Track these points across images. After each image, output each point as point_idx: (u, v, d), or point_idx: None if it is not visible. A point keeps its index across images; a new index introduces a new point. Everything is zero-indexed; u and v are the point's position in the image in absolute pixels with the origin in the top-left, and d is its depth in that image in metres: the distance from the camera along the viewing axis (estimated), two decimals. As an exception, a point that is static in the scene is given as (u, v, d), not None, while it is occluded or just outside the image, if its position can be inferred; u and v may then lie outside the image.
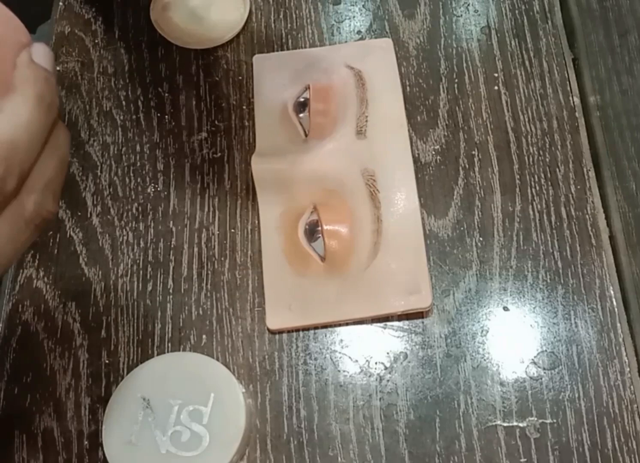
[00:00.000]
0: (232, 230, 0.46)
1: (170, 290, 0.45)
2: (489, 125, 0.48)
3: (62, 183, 0.27)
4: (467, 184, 0.46)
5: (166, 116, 0.50)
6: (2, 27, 0.26)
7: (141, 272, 0.46)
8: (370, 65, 0.49)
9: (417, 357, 0.42)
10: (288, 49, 0.51)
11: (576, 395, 0.40)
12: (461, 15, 0.52)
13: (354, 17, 0.52)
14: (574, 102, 0.48)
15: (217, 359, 0.42)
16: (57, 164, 0.27)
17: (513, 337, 0.42)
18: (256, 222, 0.46)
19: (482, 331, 0.42)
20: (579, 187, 0.45)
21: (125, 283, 0.45)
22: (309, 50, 0.51)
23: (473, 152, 0.47)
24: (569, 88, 0.48)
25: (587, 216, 0.45)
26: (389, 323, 0.43)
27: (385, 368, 0.42)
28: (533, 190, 0.45)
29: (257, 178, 0.46)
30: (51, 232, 0.47)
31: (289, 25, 0.52)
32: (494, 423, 0.40)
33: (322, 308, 0.43)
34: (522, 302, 0.43)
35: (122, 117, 0.50)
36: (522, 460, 0.39)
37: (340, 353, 0.43)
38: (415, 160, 0.47)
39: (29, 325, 0.45)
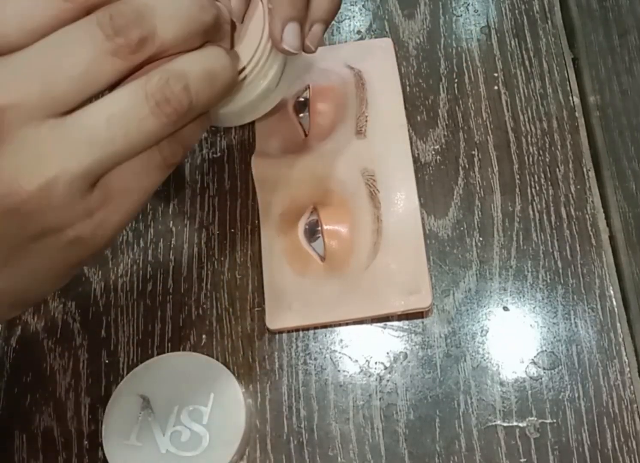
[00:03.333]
0: (232, 230, 0.46)
1: (170, 290, 0.45)
2: (488, 125, 0.48)
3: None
4: (467, 184, 0.46)
5: (166, 116, 0.50)
6: None
7: (141, 271, 0.46)
8: (370, 65, 0.49)
9: (417, 357, 0.42)
10: (288, 48, 0.51)
11: (576, 395, 0.40)
12: (461, 15, 0.52)
13: (353, 17, 0.52)
14: (573, 102, 0.48)
15: (217, 359, 0.42)
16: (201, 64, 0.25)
17: (513, 337, 0.42)
18: (256, 222, 0.46)
19: (482, 331, 0.42)
20: (578, 187, 0.45)
21: (125, 283, 0.45)
22: (309, 50, 0.51)
23: (473, 152, 0.47)
24: (568, 88, 0.48)
25: (587, 216, 0.45)
26: (388, 323, 0.43)
27: (385, 368, 0.42)
28: (533, 190, 0.45)
29: (257, 178, 0.46)
30: (51, 232, 0.47)
31: (288, 25, 0.52)
32: (493, 423, 0.40)
33: (322, 308, 0.43)
34: (522, 302, 0.43)
35: (122, 117, 0.50)
36: (522, 460, 0.39)
37: (340, 353, 0.43)
38: (415, 160, 0.47)
39: (29, 325, 0.45)
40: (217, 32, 0.27)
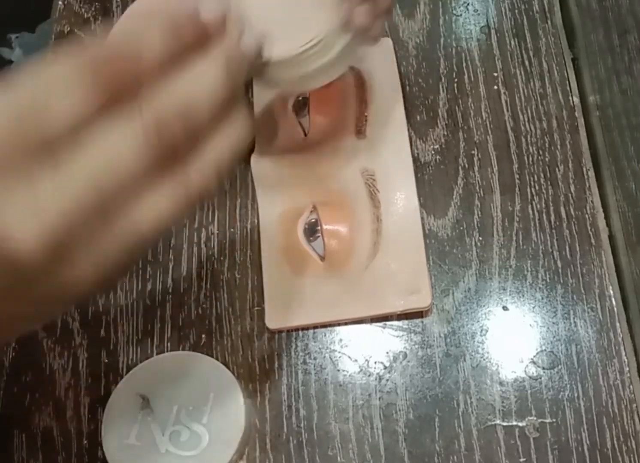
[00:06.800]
0: (232, 230, 0.46)
1: (170, 290, 0.45)
2: (488, 124, 0.48)
3: (228, 165, 0.27)
4: (467, 184, 0.46)
5: (166, 116, 0.50)
6: None
7: (140, 271, 0.46)
8: (370, 65, 0.49)
9: (416, 356, 0.42)
10: (288, 48, 0.51)
11: (575, 395, 0.40)
12: (461, 15, 0.52)
13: (353, 16, 0.52)
14: (573, 102, 0.48)
15: (217, 359, 0.42)
16: (229, 144, 0.27)
17: (512, 337, 0.42)
18: (256, 221, 0.46)
19: (481, 330, 0.42)
20: (578, 186, 0.45)
21: (124, 282, 0.45)
22: (309, 49, 0.51)
23: (472, 152, 0.47)
24: (568, 88, 0.48)
25: (586, 216, 0.45)
26: (388, 323, 0.43)
27: (385, 367, 0.42)
28: (532, 189, 0.45)
29: (257, 178, 0.46)
30: (51, 232, 0.47)
31: (288, 24, 0.52)
32: (493, 423, 0.40)
33: (321, 308, 0.43)
34: (521, 302, 0.43)
35: (121, 117, 0.50)
36: (522, 459, 0.39)
37: (339, 352, 0.43)
38: (415, 160, 0.47)
39: (28, 325, 0.45)
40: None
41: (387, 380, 0.42)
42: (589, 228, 0.44)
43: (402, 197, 0.44)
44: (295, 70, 0.35)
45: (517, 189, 0.46)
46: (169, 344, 0.43)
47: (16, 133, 0.22)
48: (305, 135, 0.47)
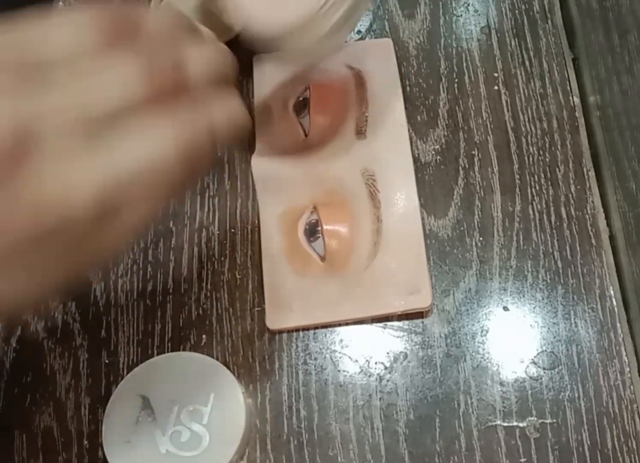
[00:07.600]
0: (232, 230, 0.46)
1: (170, 290, 0.45)
2: (488, 125, 0.48)
3: (221, 134, 0.27)
4: (467, 184, 0.46)
5: (166, 116, 0.50)
6: None
7: (141, 271, 0.46)
8: (370, 65, 0.49)
9: (417, 356, 0.42)
10: (288, 48, 0.51)
11: (576, 395, 0.40)
12: (461, 15, 0.52)
13: (354, 17, 0.52)
14: (573, 102, 0.48)
15: (217, 359, 0.42)
16: (223, 113, 0.27)
17: (513, 337, 0.42)
18: (256, 222, 0.46)
19: (482, 331, 0.42)
20: (578, 186, 0.45)
21: (125, 283, 0.45)
22: (309, 50, 0.51)
23: (473, 152, 0.47)
24: (568, 88, 0.48)
25: (587, 216, 0.45)
26: (389, 323, 0.43)
27: (385, 368, 0.42)
28: (533, 190, 0.45)
29: (257, 178, 0.46)
30: (51, 232, 0.47)
31: (289, 25, 0.52)
32: (493, 423, 0.40)
33: (322, 308, 0.43)
34: (522, 302, 0.43)
35: (122, 117, 0.50)
36: (522, 460, 0.39)
37: (340, 353, 0.43)
38: (415, 160, 0.47)
39: (28, 325, 0.45)
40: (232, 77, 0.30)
41: (388, 380, 0.42)
42: (589, 228, 0.44)
43: (402, 198, 0.44)
44: (312, 33, 0.34)
45: (517, 189, 0.46)
46: (169, 345, 0.43)
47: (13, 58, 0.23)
48: (306, 135, 0.47)
